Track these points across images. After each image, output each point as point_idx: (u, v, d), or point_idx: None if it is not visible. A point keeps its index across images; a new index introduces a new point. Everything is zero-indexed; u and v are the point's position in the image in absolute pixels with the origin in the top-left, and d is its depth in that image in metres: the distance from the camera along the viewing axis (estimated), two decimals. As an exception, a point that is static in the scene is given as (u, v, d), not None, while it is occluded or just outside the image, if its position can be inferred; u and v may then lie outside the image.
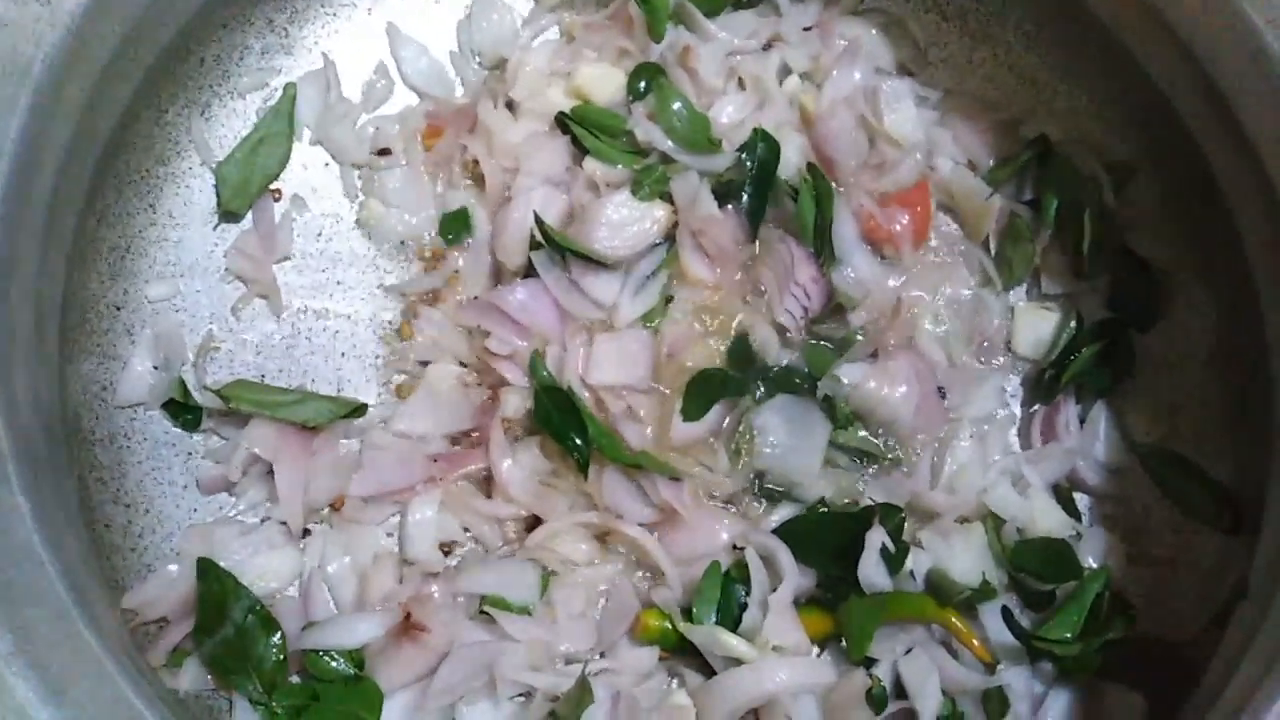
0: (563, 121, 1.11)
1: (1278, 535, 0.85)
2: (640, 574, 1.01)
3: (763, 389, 1.05)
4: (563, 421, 1.00)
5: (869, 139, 1.12)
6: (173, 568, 0.91)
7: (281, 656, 0.87)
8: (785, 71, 1.15)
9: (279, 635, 0.88)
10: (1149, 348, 1.07)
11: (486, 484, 1.03)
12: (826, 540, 0.97)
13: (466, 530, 1.01)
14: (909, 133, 1.11)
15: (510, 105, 1.13)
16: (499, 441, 1.01)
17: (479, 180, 1.12)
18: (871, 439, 1.05)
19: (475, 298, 1.09)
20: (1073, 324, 1.08)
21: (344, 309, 1.08)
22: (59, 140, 0.84)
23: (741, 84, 1.14)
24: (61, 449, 0.83)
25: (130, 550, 0.94)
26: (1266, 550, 0.86)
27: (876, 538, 0.93)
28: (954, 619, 0.92)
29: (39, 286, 0.81)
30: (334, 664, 0.88)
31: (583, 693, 0.86)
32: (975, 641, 0.91)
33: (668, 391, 1.05)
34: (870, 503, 1.00)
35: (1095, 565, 0.97)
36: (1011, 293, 1.12)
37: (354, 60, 1.14)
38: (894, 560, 0.93)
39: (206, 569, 0.87)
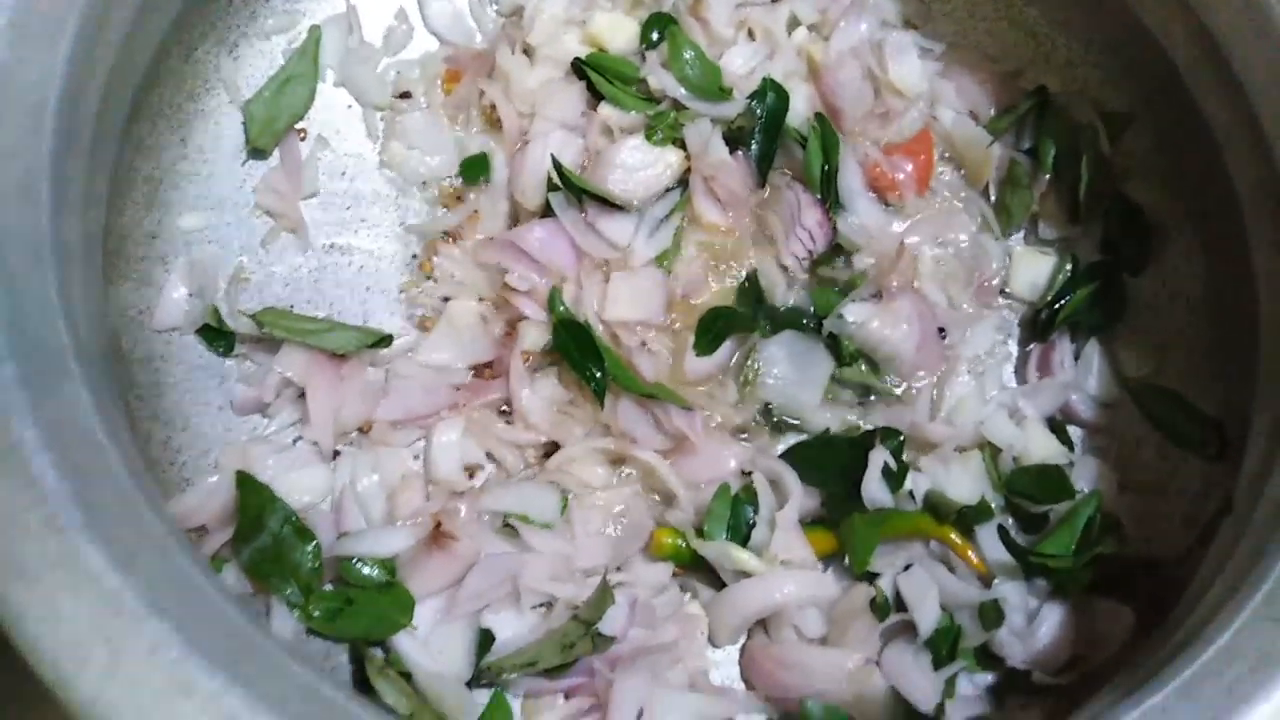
0: (578, 68, 1.15)
1: (1259, 456, 0.90)
2: (654, 498, 1.05)
3: (770, 326, 1.10)
4: (580, 353, 1.04)
5: (874, 90, 1.16)
6: (212, 479, 0.94)
7: (317, 564, 0.91)
8: (794, 23, 1.18)
9: (314, 544, 0.92)
10: (1141, 289, 1.12)
11: (506, 413, 1.07)
12: (830, 462, 1.02)
13: (489, 455, 1.05)
14: (913, 84, 1.15)
15: (527, 51, 1.16)
16: (519, 372, 1.05)
17: (496, 124, 1.15)
18: (874, 375, 1.10)
19: (491, 237, 1.12)
20: (1068, 267, 1.12)
21: (368, 245, 1.12)
22: (102, 67, 0.87)
23: (751, 34, 1.18)
24: (110, 364, 0.87)
25: (169, 464, 0.98)
26: (1249, 470, 0.91)
27: (879, 456, 0.97)
28: (951, 533, 0.96)
29: (86, 208, 0.84)
30: (367, 571, 0.92)
31: (604, 595, 0.91)
32: (970, 554, 0.96)
33: (680, 328, 1.10)
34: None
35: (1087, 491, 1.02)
36: (1010, 238, 1.16)
37: (375, 5, 1.17)
38: (895, 478, 0.98)
39: (244, 481, 0.91)
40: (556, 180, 1.08)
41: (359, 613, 0.90)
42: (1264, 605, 0.69)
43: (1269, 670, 0.66)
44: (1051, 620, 0.95)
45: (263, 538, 0.90)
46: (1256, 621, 0.69)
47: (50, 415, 0.64)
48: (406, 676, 0.91)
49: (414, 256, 1.12)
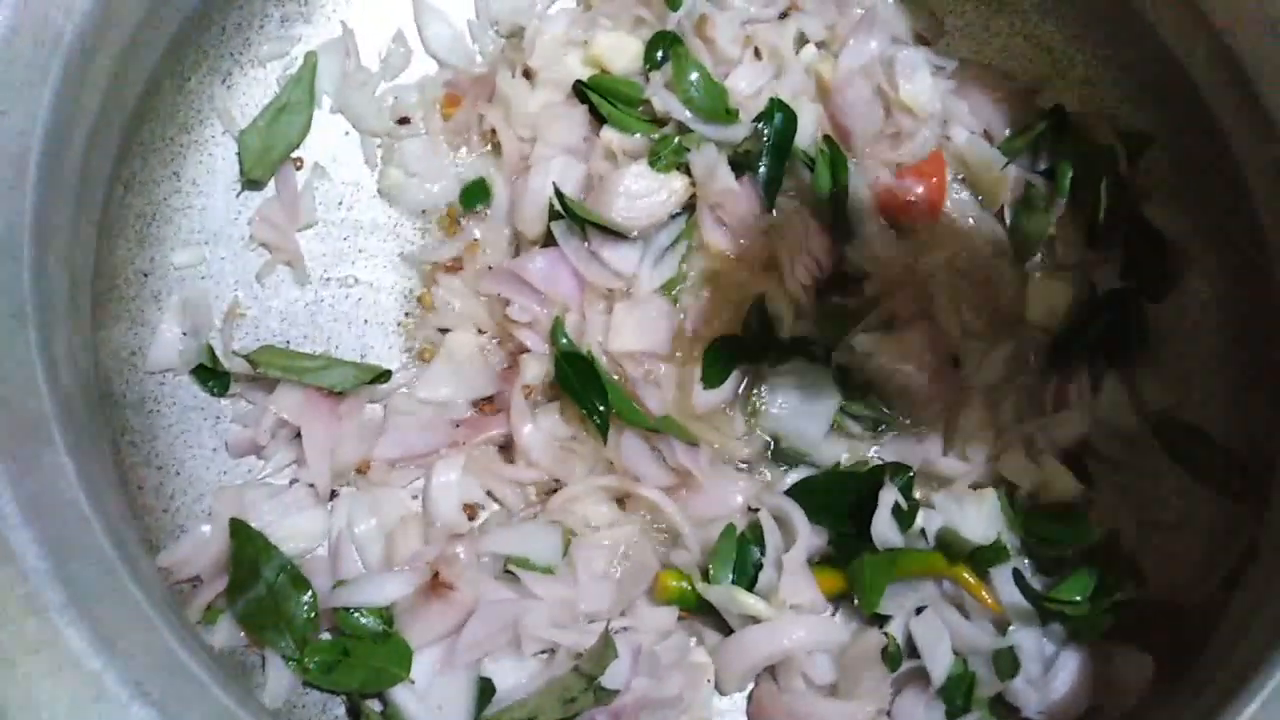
0: (580, 90, 1.12)
1: (1285, 499, 0.87)
2: (658, 536, 1.03)
3: (777, 356, 1.07)
4: (583, 387, 1.02)
5: (885, 109, 1.13)
6: (205, 528, 0.93)
7: (312, 614, 0.90)
8: (802, 40, 1.16)
9: (309, 594, 0.90)
10: (1161, 317, 1.08)
11: (508, 449, 1.05)
12: (838, 499, 0.99)
13: (490, 494, 1.03)
14: (925, 102, 1.12)
15: (528, 74, 1.14)
16: (520, 407, 1.03)
17: (497, 149, 1.13)
18: (884, 407, 1.07)
19: (490, 268, 1.10)
20: (1087, 293, 1.09)
21: (366, 276, 1.10)
22: (89, 109, 0.86)
23: (758, 53, 1.15)
24: (96, 412, 0.85)
25: (163, 511, 0.96)
26: (1277, 515, 0.88)
27: (889, 495, 0.95)
28: (964, 573, 0.94)
29: (71, 254, 0.82)
30: (363, 621, 0.91)
31: (606, 648, 0.89)
32: (984, 593, 0.93)
33: (686, 359, 1.07)
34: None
35: (1106, 530, 0.99)
36: (1026, 263, 1.12)
37: (372, 29, 1.15)
38: (905, 517, 0.95)
39: (238, 529, 0.90)
40: (558, 208, 1.06)
41: (355, 664, 0.88)
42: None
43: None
44: (1068, 669, 0.93)
45: (257, 588, 0.89)
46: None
47: (31, 488, 0.63)
48: (404, 729, 0.89)
49: (412, 288, 1.10)
